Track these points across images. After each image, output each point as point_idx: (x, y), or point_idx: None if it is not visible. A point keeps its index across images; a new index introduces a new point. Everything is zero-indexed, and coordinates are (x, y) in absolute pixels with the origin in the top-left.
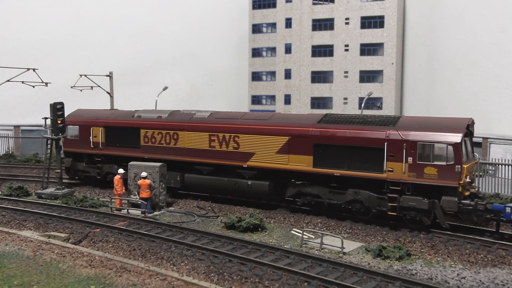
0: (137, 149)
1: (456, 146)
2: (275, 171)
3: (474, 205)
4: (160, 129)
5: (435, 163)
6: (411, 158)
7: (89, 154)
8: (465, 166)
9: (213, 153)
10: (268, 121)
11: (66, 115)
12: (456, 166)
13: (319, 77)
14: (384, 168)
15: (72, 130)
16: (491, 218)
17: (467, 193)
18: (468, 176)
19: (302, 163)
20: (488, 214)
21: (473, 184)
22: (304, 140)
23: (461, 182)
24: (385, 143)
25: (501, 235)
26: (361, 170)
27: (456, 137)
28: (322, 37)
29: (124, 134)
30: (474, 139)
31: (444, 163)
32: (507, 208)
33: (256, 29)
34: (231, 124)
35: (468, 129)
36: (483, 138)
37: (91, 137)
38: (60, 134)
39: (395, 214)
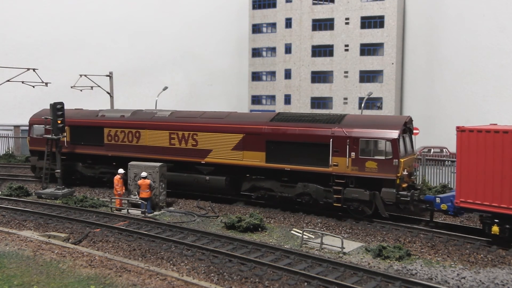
0: (101, 147)
1: (394, 141)
2: (231, 166)
3: (410, 196)
4: (123, 128)
5: (375, 157)
6: (354, 153)
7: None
8: (402, 160)
9: (173, 150)
10: (225, 120)
11: (32, 115)
12: (394, 160)
13: (319, 77)
14: (330, 162)
15: (38, 130)
16: (426, 208)
17: (404, 185)
18: (406, 170)
19: (256, 159)
20: (422, 204)
21: (412, 177)
22: (258, 137)
23: (398, 175)
24: (331, 140)
25: (435, 223)
26: (309, 165)
27: (394, 134)
28: (322, 37)
29: (89, 133)
30: None
31: (383, 158)
32: (437, 198)
33: (256, 29)
34: (190, 122)
35: (405, 126)
36: None
37: None
38: (60, 134)
39: (340, 205)
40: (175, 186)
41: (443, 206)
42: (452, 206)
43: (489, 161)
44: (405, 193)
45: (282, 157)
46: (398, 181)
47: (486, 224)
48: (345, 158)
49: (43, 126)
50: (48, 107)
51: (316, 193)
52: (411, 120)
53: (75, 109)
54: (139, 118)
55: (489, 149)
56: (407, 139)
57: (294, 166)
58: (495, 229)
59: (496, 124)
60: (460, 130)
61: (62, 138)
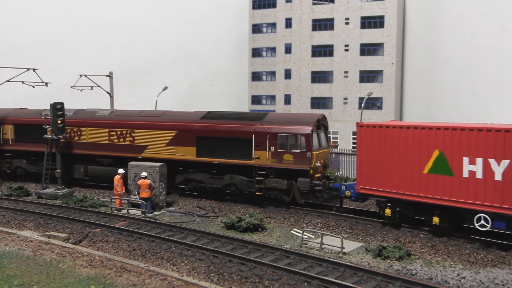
0: (44, 145)
1: (307, 136)
2: (166, 161)
3: (322, 185)
4: (66, 126)
5: (292, 151)
6: (273, 147)
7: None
8: (315, 153)
9: (112, 146)
10: (160, 118)
11: None
12: (308, 153)
13: (319, 77)
14: (252, 156)
15: None
16: (337, 195)
17: (318, 175)
18: (319, 161)
19: (188, 153)
20: (333, 191)
21: (328, 168)
22: (189, 133)
23: (312, 166)
24: (253, 135)
25: (344, 209)
26: (235, 158)
27: (307, 130)
28: (322, 37)
29: (32, 131)
30: None
31: (298, 151)
32: (342, 186)
33: (256, 29)
34: (127, 120)
35: (319, 123)
36: None
37: (1, 134)
38: (60, 134)
39: (261, 194)
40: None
41: (347, 193)
42: (354, 193)
43: (382, 152)
44: (318, 182)
45: (211, 152)
46: (311, 172)
47: (381, 208)
48: (266, 151)
49: None
50: (48, 107)
51: (241, 183)
52: (324, 117)
53: (20, 108)
54: (80, 117)
55: (382, 142)
56: (322, 135)
57: (222, 160)
58: (388, 211)
59: (395, 121)
60: (359, 126)
61: (5, 136)
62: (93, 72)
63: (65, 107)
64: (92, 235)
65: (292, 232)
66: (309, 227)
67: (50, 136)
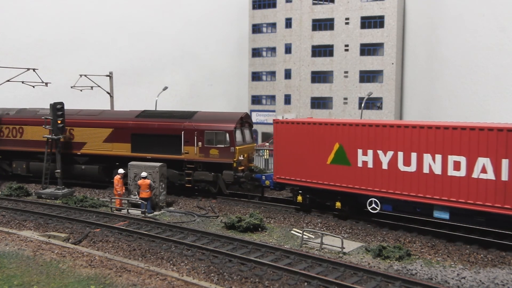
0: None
1: (231, 133)
2: (103, 156)
3: (244, 176)
4: (8, 124)
5: (217, 146)
6: (200, 143)
7: None
8: (238, 148)
9: None
10: (98, 117)
11: None
12: (231, 148)
13: (319, 77)
14: (182, 151)
15: None
16: (259, 185)
17: (242, 168)
18: (242, 155)
19: (123, 149)
20: (255, 182)
21: (253, 162)
22: (124, 131)
23: (235, 159)
24: (182, 132)
25: (265, 198)
26: (166, 153)
27: (231, 127)
28: (322, 37)
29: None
30: None
31: (223, 146)
32: (262, 176)
33: (256, 29)
34: (68, 119)
35: (242, 120)
36: None
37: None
38: (60, 134)
39: (190, 186)
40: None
41: (267, 182)
42: (272, 182)
43: (295, 146)
44: (241, 174)
45: (145, 147)
46: (235, 165)
47: (295, 195)
48: (194, 147)
49: None
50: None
51: (172, 176)
52: (248, 115)
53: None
54: (23, 116)
55: (294, 137)
56: (246, 131)
57: (155, 155)
58: (299, 198)
59: (311, 118)
60: (275, 122)
61: None
62: (93, 72)
63: (65, 107)
64: (92, 235)
65: (292, 232)
66: (309, 227)
67: (50, 136)
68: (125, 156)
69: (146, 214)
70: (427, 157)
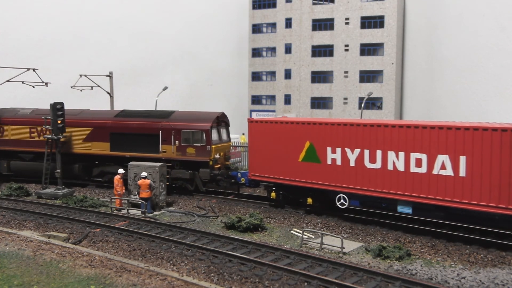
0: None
1: (207, 132)
2: (83, 155)
3: (220, 174)
4: None
5: (194, 144)
6: (178, 141)
7: None
8: (214, 146)
9: (33, 143)
10: (77, 116)
11: None
12: (207, 146)
13: (319, 77)
14: (160, 149)
15: None
16: (235, 182)
17: (218, 166)
18: (218, 154)
19: (102, 148)
20: (231, 179)
21: (230, 160)
22: (103, 130)
23: (211, 158)
24: (160, 131)
25: (240, 195)
26: (144, 152)
27: (207, 126)
28: (322, 37)
29: None
30: None
31: (199, 145)
32: (238, 174)
33: (256, 29)
34: (47, 119)
35: (218, 120)
36: None
37: None
38: (60, 134)
39: (168, 184)
40: (36, 174)
41: (243, 180)
42: (247, 180)
43: (268, 144)
44: (217, 172)
45: (124, 146)
46: (211, 163)
47: (268, 192)
48: (171, 145)
49: None
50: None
51: None
52: (224, 115)
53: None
54: (3, 115)
55: (268, 136)
56: (222, 130)
57: (133, 153)
58: (273, 194)
59: (285, 117)
60: (250, 121)
61: None
62: (93, 72)
63: (65, 107)
64: (92, 235)
65: (292, 232)
66: (309, 227)
67: (50, 136)
68: (104, 155)
69: (146, 214)
70: (391, 155)
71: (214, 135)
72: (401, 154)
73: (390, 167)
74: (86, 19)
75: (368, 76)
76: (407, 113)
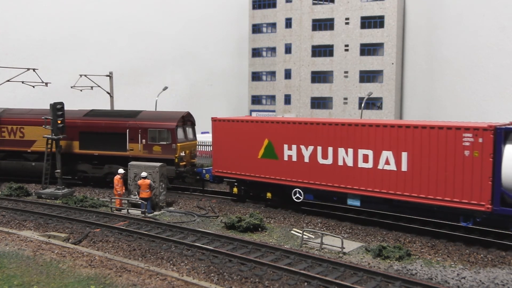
0: None
1: (172, 130)
2: (52, 154)
3: (186, 171)
4: None
5: (160, 143)
6: (144, 140)
7: None
8: (179, 144)
9: (4, 141)
10: (48, 115)
11: None
12: (173, 144)
13: (319, 77)
14: (127, 148)
15: None
16: (200, 179)
17: (183, 163)
18: (184, 152)
19: (72, 146)
20: (196, 176)
21: (195, 158)
22: (73, 129)
23: (176, 155)
24: (127, 130)
25: (206, 191)
26: (112, 150)
27: (172, 125)
28: (322, 37)
29: None
30: None
31: (165, 143)
32: (203, 170)
33: (256, 29)
34: (18, 118)
35: (184, 119)
36: None
37: None
38: (60, 134)
39: None
40: (7, 172)
41: (207, 176)
42: (211, 176)
43: (231, 142)
44: (182, 169)
45: (92, 145)
46: (176, 160)
47: (231, 187)
48: (138, 144)
49: None
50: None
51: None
52: (189, 114)
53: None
54: None
55: (230, 134)
56: (188, 129)
57: (101, 152)
58: (235, 190)
59: (249, 116)
60: (213, 120)
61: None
62: (93, 72)
63: (65, 107)
64: (92, 235)
65: (292, 232)
66: (309, 227)
67: (49, 136)
68: (73, 153)
69: (146, 214)
70: (341, 151)
71: (180, 134)
72: (350, 151)
73: (340, 162)
74: (86, 19)
75: (368, 76)
76: (407, 113)
